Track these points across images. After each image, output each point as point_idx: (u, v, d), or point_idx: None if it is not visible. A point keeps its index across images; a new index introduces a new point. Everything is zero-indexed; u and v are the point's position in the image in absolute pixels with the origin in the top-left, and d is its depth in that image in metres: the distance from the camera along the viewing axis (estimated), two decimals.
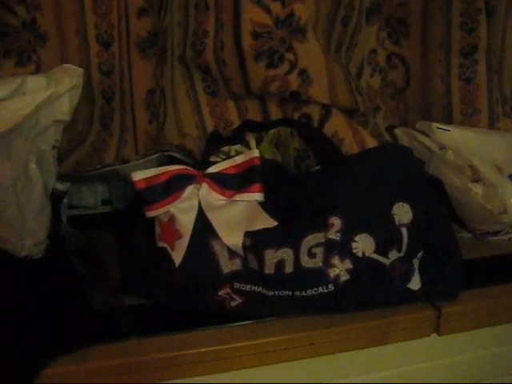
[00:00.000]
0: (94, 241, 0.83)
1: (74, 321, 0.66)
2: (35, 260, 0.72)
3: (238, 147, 0.81)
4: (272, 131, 0.89)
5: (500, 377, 0.86)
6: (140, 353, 0.65)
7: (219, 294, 0.70)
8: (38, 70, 0.83)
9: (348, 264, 0.68)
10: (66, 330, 0.65)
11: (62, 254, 0.75)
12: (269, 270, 0.67)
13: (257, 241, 0.67)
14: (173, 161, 0.80)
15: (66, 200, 0.83)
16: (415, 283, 0.72)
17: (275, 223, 0.67)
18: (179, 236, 0.69)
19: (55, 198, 0.77)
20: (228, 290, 0.70)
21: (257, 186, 0.67)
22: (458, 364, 0.82)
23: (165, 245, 0.70)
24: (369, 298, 0.70)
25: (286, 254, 0.67)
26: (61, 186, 0.79)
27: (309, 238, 0.67)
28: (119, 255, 0.77)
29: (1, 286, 0.66)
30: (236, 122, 0.94)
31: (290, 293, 0.69)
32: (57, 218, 0.77)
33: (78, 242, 0.80)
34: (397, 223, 0.69)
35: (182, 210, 0.69)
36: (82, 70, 0.78)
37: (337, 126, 0.90)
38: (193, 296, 0.71)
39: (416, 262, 0.72)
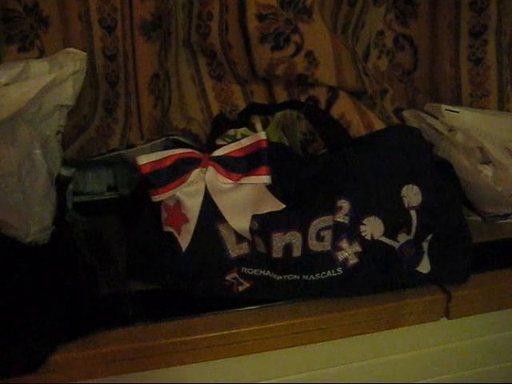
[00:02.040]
0: (100, 227, 0.82)
1: (81, 307, 0.66)
2: (40, 246, 0.71)
3: (244, 130, 0.80)
4: (278, 114, 0.88)
5: (510, 361, 0.86)
6: (147, 338, 0.65)
7: (227, 278, 0.70)
8: (41, 55, 0.83)
9: (356, 247, 0.67)
10: (72, 316, 0.65)
11: (68, 241, 0.74)
12: (276, 253, 0.67)
13: (264, 224, 0.66)
14: (178, 145, 0.80)
15: (71, 186, 0.82)
16: (425, 266, 0.71)
17: (283, 206, 0.67)
18: (186, 220, 0.68)
19: (60, 184, 0.76)
20: (235, 275, 0.70)
21: (264, 168, 0.66)
22: (467, 348, 0.82)
23: (171, 229, 0.69)
24: (378, 282, 0.70)
25: (293, 237, 0.66)
26: (66, 172, 0.79)
27: (317, 221, 0.66)
28: (125, 241, 0.76)
29: (6, 272, 0.66)
30: (242, 106, 0.93)
31: (298, 277, 0.68)
32: (62, 204, 0.76)
33: (83, 228, 0.79)
34: (406, 205, 0.68)
35: (188, 194, 0.68)
36: (85, 53, 0.77)
37: (344, 108, 0.89)
38: (200, 281, 0.70)
39: (425, 245, 0.71)
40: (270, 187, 0.67)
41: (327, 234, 0.67)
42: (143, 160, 0.67)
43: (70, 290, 0.67)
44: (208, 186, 0.68)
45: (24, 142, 0.70)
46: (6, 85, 0.71)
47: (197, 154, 0.69)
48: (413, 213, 0.69)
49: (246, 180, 0.67)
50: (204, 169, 0.68)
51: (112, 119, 0.88)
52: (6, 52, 0.82)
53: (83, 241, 0.76)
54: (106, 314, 0.67)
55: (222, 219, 0.68)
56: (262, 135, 0.67)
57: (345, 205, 0.67)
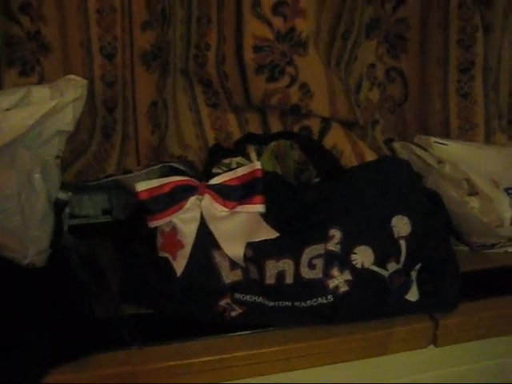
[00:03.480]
0: (95, 250, 0.83)
1: (76, 329, 0.66)
2: (38, 269, 0.72)
3: (239, 159, 0.82)
4: (272, 144, 0.90)
5: None
6: (141, 361, 0.66)
7: (220, 303, 0.71)
8: (41, 81, 0.84)
9: (347, 275, 0.69)
10: (67, 338, 0.65)
11: (64, 263, 0.75)
12: (269, 280, 0.68)
13: (258, 251, 0.68)
14: (175, 172, 0.81)
15: (67, 209, 0.83)
16: (413, 295, 0.72)
17: (276, 234, 0.68)
18: (181, 246, 0.70)
19: (57, 207, 0.77)
20: (228, 300, 0.71)
21: (258, 197, 0.67)
22: (455, 375, 0.83)
23: (166, 254, 0.70)
24: (367, 309, 0.71)
25: (286, 264, 0.68)
26: (63, 196, 0.79)
27: (309, 249, 0.68)
28: (120, 264, 0.78)
29: (3, 294, 0.66)
30: (237, 135, 0.95)
31: (290, 303, 0.69)
32: (59, 227, 0.77)
33: (79, 252, 0.80)
34: (395, 235, 0.70)
35: (184, 221, 0.69)
36: (86, 81, 0.79)
37: (336, 138, 0.91)
38: (193, 306, 0.71)
39: (414, 274, 0.73)
40: (264, 216, 0.68)
41: (319, 262, 0.68)
42: (142, 186, 0.68)
43: (65, 313, 0.67)
44: (204, 214, 0.69)
45: (24, 165, 0.71)
46: (8, 110, 0.72)
47: (194, 181, 0.70)
48: (402, 242, 0.70)
49: (241, 208, 0.68)
50: (200, 196, 0.69)
51: (109, 144, 0.89)
52: (6, 76, 0.83)
53: (79, 264, 0.77)
54: (101, 336, 0.67)
55: (217, 246, 0.69)
56: (257, 165, 0.68)
57: (336, 234, 0.68)
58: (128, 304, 0.73)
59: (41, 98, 0.76)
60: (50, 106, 0.72)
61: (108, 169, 0.89)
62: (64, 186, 0.81)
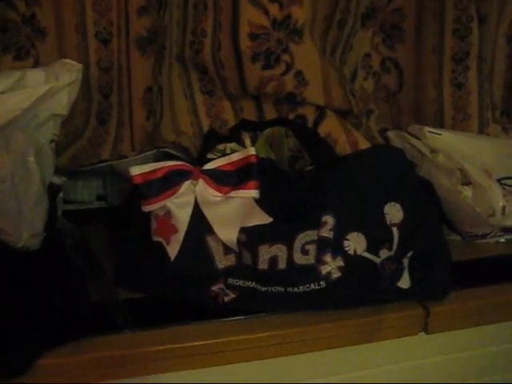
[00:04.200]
0: (89, 235, 0.83)
1: (70, 312, 0.67)
2: (32, 252, 0.72)
3: (233, 145, 0.82)
4: (267, 131, 0.90)
5: (487, 376, 0.88)
6: (134, 345, 0.66)
7: (213, 288, 0.71)
8: (36, 65, 0.84)
9: (340, 262, 0.69)
10: (60, 322, 0.65)
11: (59, 247, 0.75)
12: (262, 265, 0.69)
13: (251, 236, 0.68)
14: (169, 157, 0.81)
15: (61, 194, 0.83)
16: (405, 282, 0.73)
17: (270, 220, 0.68)
18: (175, 231, 0.70)
19: (52, 192, 0.77)
20: (222, 285, 0.71)
21: (252, 182, 0.68)
22: (445, 363, 0.84)
23: (160, 239, 0.71)
24: (359, 296, 0.72)
25: (279, 250, 0.68)
26: (57, 180, 0.79)
27: (302, 235, 0.68)
28: (114, 249, 0.78)
29: None
30: (231, 122, 0.95)
31: (283, 289, 0.70)
32: (53, 211, 0.77)
33: (73, 236, 0.80)
34: (388, 222, 0.71)
35: (179, 205, 0.69)
36: (81, 65, 0.78)
37: (331, 127, 0.92)
38: (187, 290, 0.71)
39: (406, 261, 0.73)
40: (258, 201, 0.68)
41: (312, 248, 0.69)
42: (136, 171, 0.69)
43: (59, 296, 0.67)
44: (198, 198, 0.69)
45: (18, 149, 0.71)
46: (2, 93, 0.72)
47: (188, 166, 0.70)
48: (394, 230, 0.71)
49: (235, 193, 0.68)
50: (195, 181, 0.69)
51: (104, 130, 0.89)
52: (1, 60, 0.83)
53: (73, 248, 0.77)
54: (95, 320, 0.67)
55: (211, 231, 0.69)
56: (252, 151, 0.68)
57: (329, 220, 0.69)
58: (122, 288, 0.74)
59: (36, 81, 0.75)
60: (44, 90, 0.72)
61: (103, 154, 0.89)
62: (58, 171, 0.81)
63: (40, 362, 0.62)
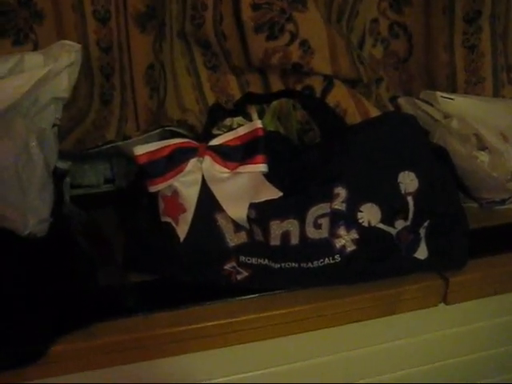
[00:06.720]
0: (98, 219, 0.83)
1: (79, 298, 0.66)
2: (39, 238, 0.71)
3: (239, 120, 0.80)
4: (274, 103, 0.88)
5: (508, 345, 0.87)
6: (146, 329, 0.65)
7: (225, 267, 0.70)
8: (35, 49, 0.82)
9: (354, 234, 0.68)
10: (71, 308, 0.65)
11: (66, 233, 0.74)
12: (274, 241, 0.67)
13: (262, 212, 0.66)
14: (175, 136, 0.80)
15: (68, 179, 0.82)
16: (422, 252, 0.71)
17: (280, 194, 0.67)
18: (183, 210, 0.69)
19: (57, 177, 0.76)
20: (234, 264, 0.70)
21: (260, 157, 0.66)
22: (466, 333, 0.82)
23: (169, 219, 0.70)
24: (376, 268, 0.70)
25: (291, 224, 0.66)
26: (62, 165, 0.78)
27: (314, 208, 0.66)
28: (123, 232, 0.77)
29: (5, 265, 0.65)
30: (237, 97, 0.93)
31: (297, 265, 0.68)
32: (59, 196, 0.76)
33: (81, 221, 0.79)
34: (403, 192, 0.69)
35: (186, 184, 0.68)
36: (79, 45, 0.76)
37: (339, 96, 0.90)
38: (198, 270, 0.71)
39: (422, 231, 0.71)
40: (267, 175, 0.67)
41: (324, 222, 0.67)
42: (140, 150, 0.67)
43: (68, 282, 0.67)
44: (205, 176, 0.68)
45: (20, 134, 0.70)
46: (1, 78, 0.71)
47: (193, 143, 0.69)
48: (409, 199, 0.69)
49: (242, 169, 0.67)
50: (201, 158, 0.68)
51: (108, 111, 0.88)
52: (0, 46, 0.81)
53: (81, 233, 0.76)
54: (105, 305, 0.67)
55: (220, 208, 0.68)
56: (258, 124, 0.67)
57: (342, 192, 0.67)
58: (131, 271, 0.73)
59: (34, 64, 0.74)
60: (43, 72, 0.71)
61: (108, 136, 0.87)
62: (63, 155, 0.80)
63: (52, 349, 0.62)
